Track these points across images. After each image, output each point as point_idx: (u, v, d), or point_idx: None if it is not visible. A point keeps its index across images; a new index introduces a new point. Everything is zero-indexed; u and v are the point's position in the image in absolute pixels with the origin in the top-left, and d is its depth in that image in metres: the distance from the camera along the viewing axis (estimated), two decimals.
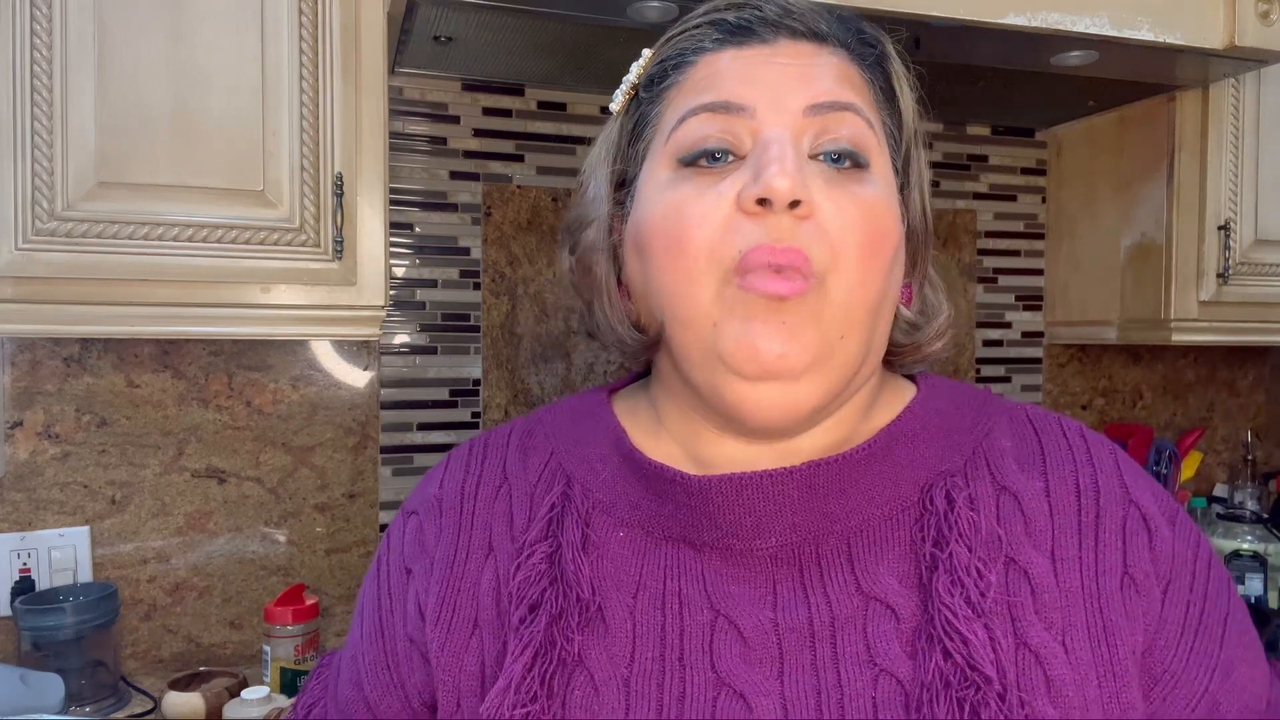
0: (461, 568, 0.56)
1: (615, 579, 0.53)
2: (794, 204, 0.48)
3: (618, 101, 0.58)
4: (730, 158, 0.51)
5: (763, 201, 0.48)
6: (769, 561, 0.51)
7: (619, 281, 0.58)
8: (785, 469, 0.51)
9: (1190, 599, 0.52)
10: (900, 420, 0.55)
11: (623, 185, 0.57)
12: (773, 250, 0.47)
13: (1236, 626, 0.54)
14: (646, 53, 0.57)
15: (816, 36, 0.53)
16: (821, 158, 0.51)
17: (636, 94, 0.57)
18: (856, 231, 0.49)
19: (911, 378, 0.61)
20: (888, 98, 0.56)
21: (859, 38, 0.55)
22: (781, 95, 0.51)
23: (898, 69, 0.56)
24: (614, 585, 0.53)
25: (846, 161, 0.51)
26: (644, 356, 0.60)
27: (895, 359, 0.59)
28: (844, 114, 0.51)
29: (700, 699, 0.49)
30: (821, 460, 0.51)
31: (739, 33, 0.53)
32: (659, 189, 0.52)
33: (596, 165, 0.59)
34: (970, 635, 0.47)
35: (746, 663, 0.49)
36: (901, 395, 0.58)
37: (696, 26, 0.54)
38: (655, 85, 0.55)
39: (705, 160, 0.51)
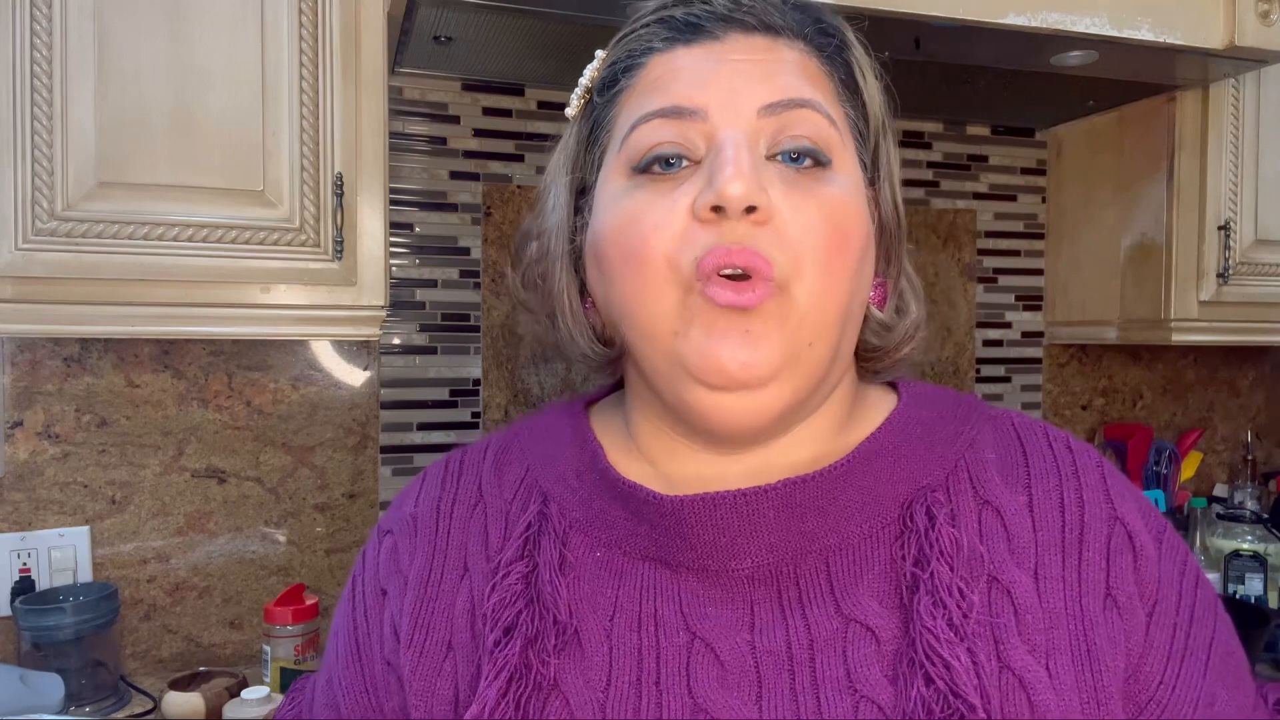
0: (436, 588, 0.55)
1: (592, 601, 0.51)
2: (750, 209, 0.46)
3: (574, 106, 0.57)
4: (685, 163, 0.49)
5: (717, 209, 0.46)
6: (746, 582, 0.50)
7: (583, 293, 0.56)
8: (760, 488, 0.49)
9: (1177, 621, 0.51)
10: (880, 433, 0.53)
11: (583, 193, 0.55)
12: (728, 252, 0.46)
13: (1221, 649, 0.52)
14: (600, 54, 0.56)
15: (770, 30, 0.51)
16: (780, 158, 0.49)
17: (591, 98, 0.56)
18: (818, 234, 0.47)
19: (894, 386, 0.59)
20: (850, 90, 0.53)
21: (817, 27, 0.53)
22: (735, 96, 0.49)
23: (859, 58, 0.54)
24: (590, 608, 0.51)
25: (807, 160, 0.49)
26: (608, 370, 0.58)
27: (868, 364, 0.57)
28: (802, 111, 0.49)
29: None
30: (798, 478, 0.50)
31: (688, 30, 0.51)
32: (614, 198, 0.51)
33: (556, 173, 0.57)
34: (953, 660, 0.45)
35: (724, 687, 0.48)
36: (881, 406, 0.57)
37: (645, 26, 0.53)
38: (608, 90, 0.54)
39: (659, 166, 0.49)
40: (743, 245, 0.46)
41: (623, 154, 0.51)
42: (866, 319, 0.55)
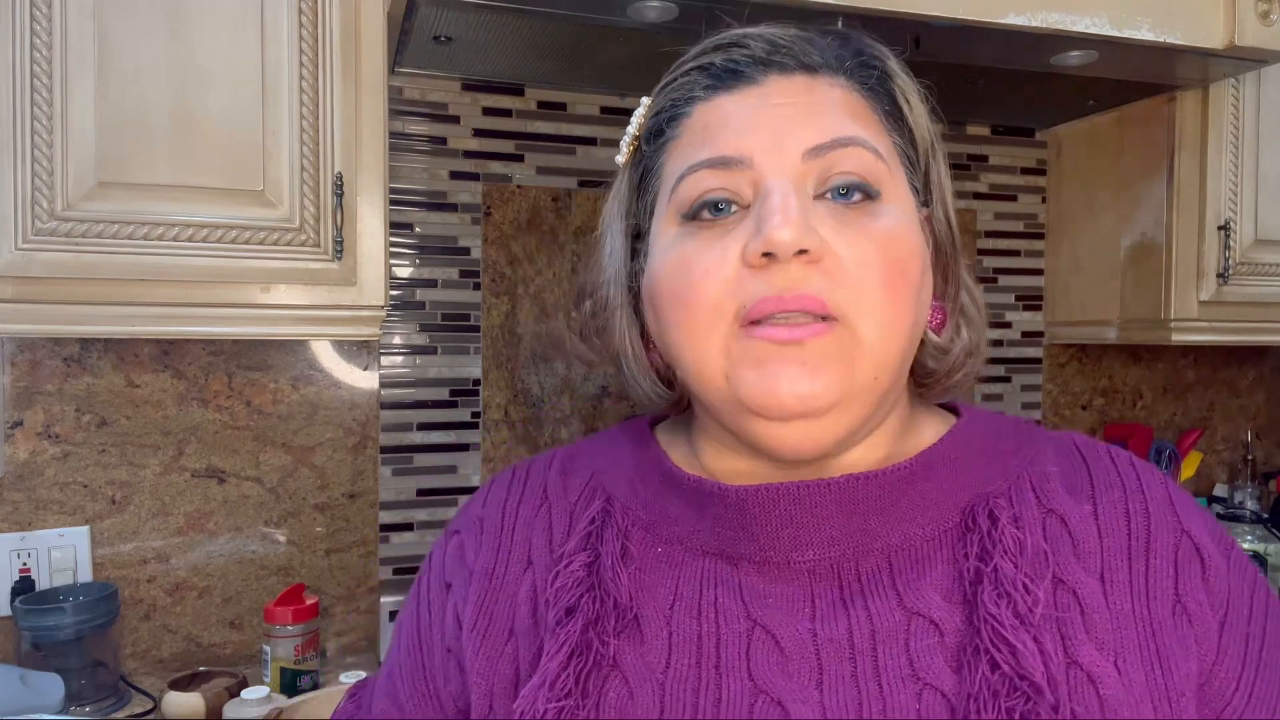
0: (500, 580, 0.57)
1: (652, 590, 0.53)
2: (801, 252, 0.47)
3: (623, 154, 0.58)
4: (734, 208, 0.50)
5: (768, 254, 0.47)
6: (807, 575, 0.51)
7: (644, 334, 0.58)
8: (822, 480, 0.50)
9: (1249, 632, 0.50)
10: (942, 444, 0.54)
11: (639, 237, 0.57)
12: (781, 300, 0.47)
13: None
14: (645, 101, 0.57)
15: (809, 69, 0.52)
16: (829, 195, 0.50)
17: (639, 146, 0.57)
18: (873, 269, 0.48)
19: (954, 410, 0.60)
20: (895, 119, 0.54)
21: (857, 60, 0.53)
22: (779, 141, 0.49)
23: (903, 85, 0.54)
24: (650, 596, 0.52)
25: (856, 195, 0.50)
26: (674, 410, 0.60)
27: (924, 388, 0.57)
28: (847, 149, 0.49)
29: (736, 705, 0.48)
30: (860, 475, 0.51)
31: (728, 76, 0.52)
32: (666, 246, 0.52)
33: (610, 219, 0.59)
34: (1019, 644, 0.45)
35: (784, 673, 0.48)
36: (939, 422, 0.58)
37: (686, 73, 0.54)
38: (655, 139, 0.55)
39: (708, 212, 0.50)
40: (795, 291, 0.47)
41: (673, 203, 0.52)
42: (923, 342, 0.55)
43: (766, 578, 0.51)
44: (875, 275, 0.48)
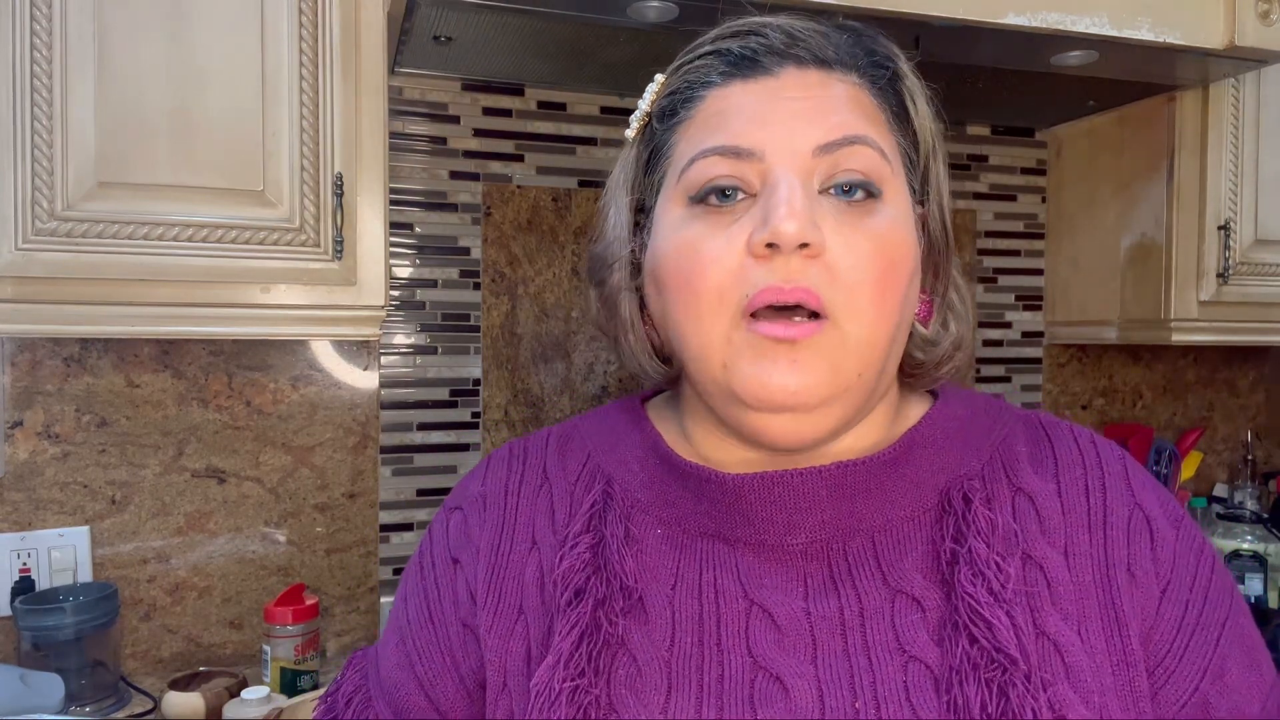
0: (505, 558, 0.59)
1: (654, 572, 0.55)
2: (803, 245, 0.48)
3: (632, 129, 0.59)
4: (740, 195, 0.52)
5: (771, 245, 0.49)
6: (799, 557, 0.54)
7: (642, 310, 0.59)
8: (814, 468, 0.53)
9: (1189, 599, 0.54)
10: (921, 426, 0.57)
11: (641, 210, 0.58)
12: (780, 291, 0.49)
13: (1235, 630, 0.55)
14: (659, 78, 0.58)
15: (823, 64, 0.53)
16: (833, 191, 0.51)
17: (650, 122, 0.58)
18: (868, 269, 0.50)
19: (932, 393, 0.62)
20: (901, 119, 0.55)
21: (870, 59, 0.55)
22: (790, 136, 0.51)
23: (910, 87, 0.56)
24: (653, 577, 0.55)
25: (859, 192, 0.51)
26: (667, 385, 0.62)
27: (912, 378, 0.60)
28: (855, 147, 0.51)
29: (738, 680, 0.51)
30: (849, 462, 0.54)
31: (744, 64, 0.53)
32: (673, 226, 0.53)
33: (616, 192, 0.60)
34: (994, 620, 0.49)
35: (781, 649, 0.51)
36: (921, 405, 0.60)
37: (702, 57, 0.55)
38: (667, 119, 0.56)
39: (715, 198, 0.52)
40: (794, 283, 0.49)
41: (681, 184, 0.53)
42: (912, 335, 0.57)
43: (762, 559, 0.54)
44: (867, 276, 0.50)
